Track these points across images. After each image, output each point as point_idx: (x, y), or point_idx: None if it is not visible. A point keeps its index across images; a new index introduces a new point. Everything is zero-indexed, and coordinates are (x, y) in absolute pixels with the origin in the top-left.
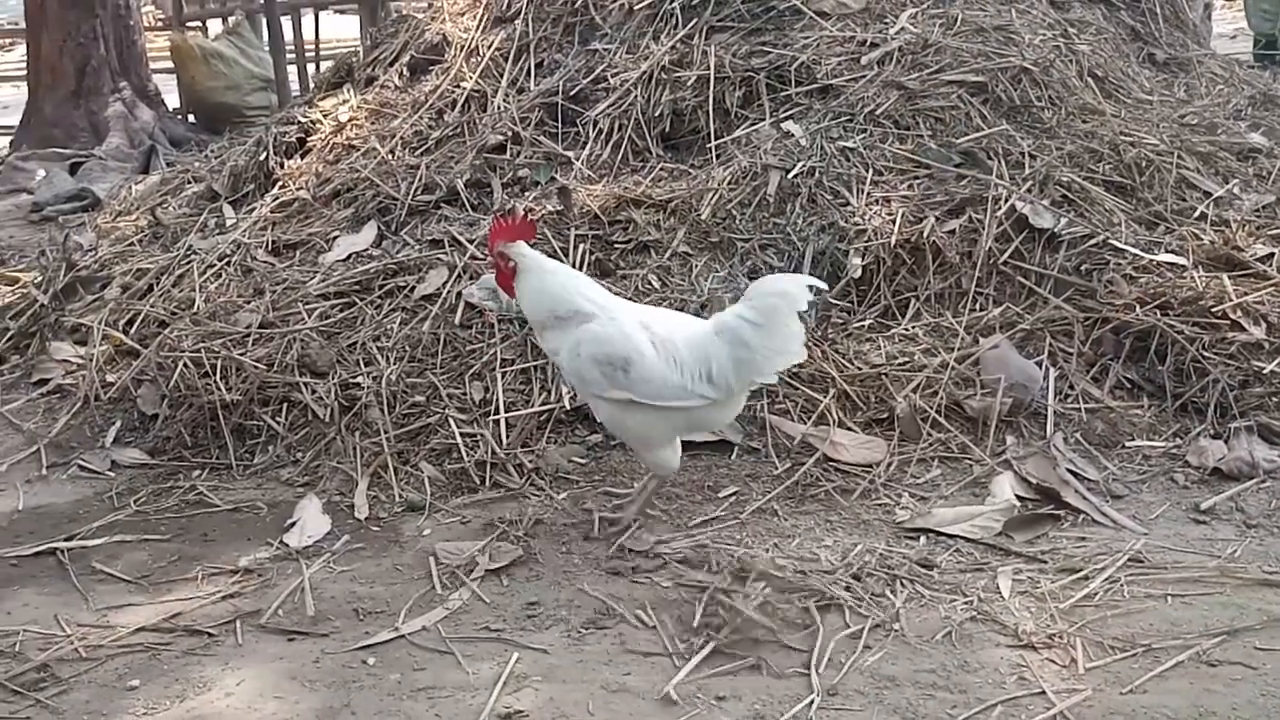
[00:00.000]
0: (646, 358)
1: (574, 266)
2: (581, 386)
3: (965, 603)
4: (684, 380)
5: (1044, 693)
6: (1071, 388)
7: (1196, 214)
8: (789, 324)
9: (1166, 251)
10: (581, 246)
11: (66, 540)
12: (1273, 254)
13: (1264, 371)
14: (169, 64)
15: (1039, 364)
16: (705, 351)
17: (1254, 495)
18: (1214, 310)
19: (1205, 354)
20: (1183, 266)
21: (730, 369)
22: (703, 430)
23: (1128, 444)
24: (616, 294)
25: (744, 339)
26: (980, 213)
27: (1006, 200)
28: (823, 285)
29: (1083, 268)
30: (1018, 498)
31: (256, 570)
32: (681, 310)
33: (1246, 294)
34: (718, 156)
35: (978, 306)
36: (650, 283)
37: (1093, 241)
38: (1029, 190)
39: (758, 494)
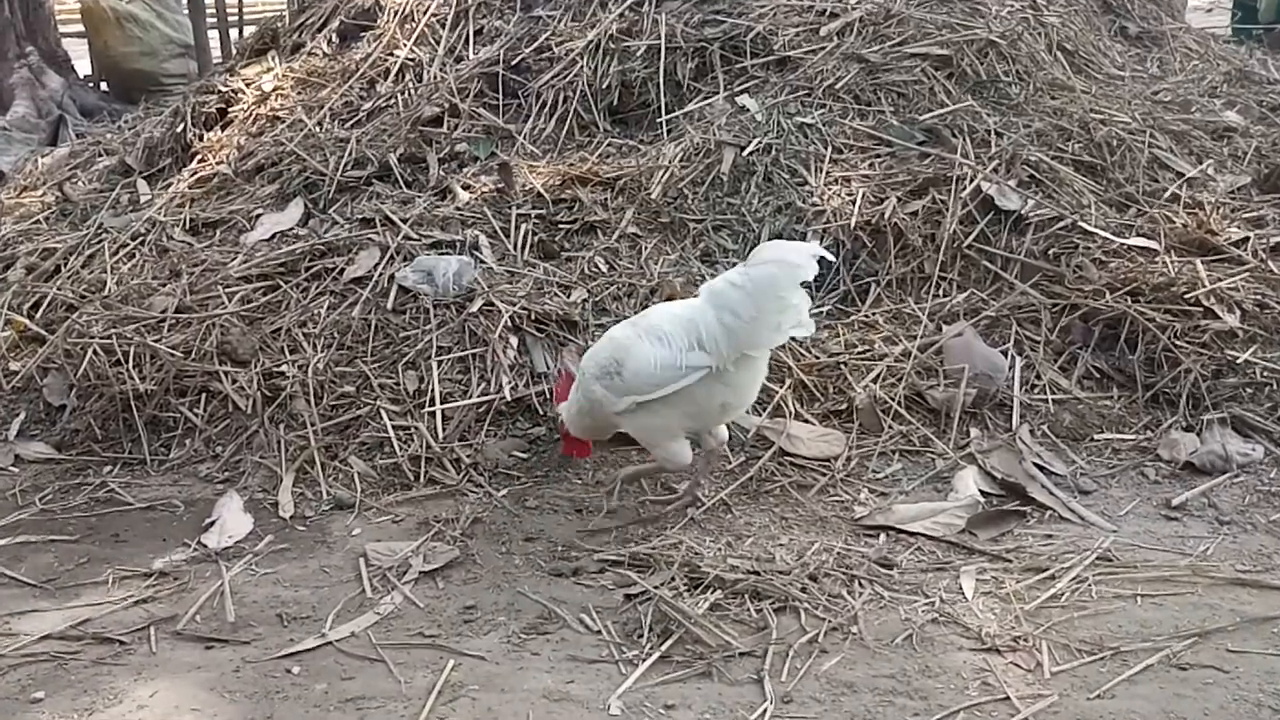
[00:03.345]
0: (633, 349)
1: (515, 248)
2: (603, 419)
3: (926, 604)
4: (672, 354)
5: (1008, 698)
6: (1038, 378)
7: (1169, 196)
8: (786, 295)
9: (1138, 235)
10: (524, 227)
11: None
12: (1248, 238)
13: (1238, 361)
14: (80, 28)
15: (1004, 353)
16: (692, 319)
17: (1227, 490)
18: (1186, 297)
19: (1177, 343)
20: (1154, 251)
21: (720, 334)
22: (716, 417)
23: (1096, 437)
24: (563, 277)
25: (731, 306)
26: (944, 193)
27: (972, 180)
28: (830, 256)
29: (1050, 252)
30: (982, 493)
31: (172, 573)
32: (630, 294)
33: (1220, 280)
34: (669, 132)
35: (941, 292)
36: (597, 266)
37: (1061, 224)
38: (995, 170)
39: (710, 490)
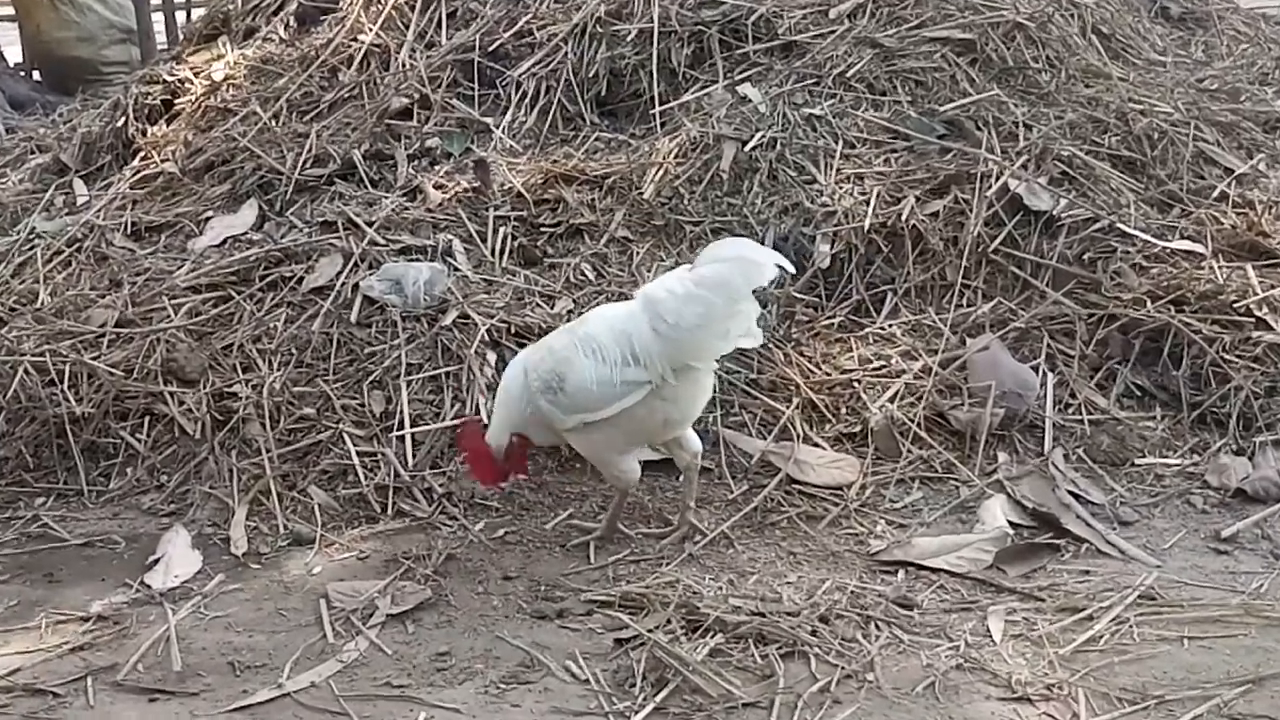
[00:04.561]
0: (574, 363)
1: (493, 254)
2: (551, 432)
3: (950, 648)
4: (607, 370)
5: None
6: (1073, 396)
7: (1216, 194)
8: (737, 298)
9: (1182, 237)
10: (502, 230)
11: None
12: None
13: None
14: (9, 10)
15: (1035, 369)
16: (625, 330)
17: None
18: (1236, 306)
19: (1226, 357)
20: (1200, 255)
21: (654, 346)
22: (660, 434)
23: (1138, 461)
24: (546, 286)
25: (664, 313)
26: (967, 192)
27: (998, 178)
28: (789, 267)
29: (1085, 256)
30: (1011, 525)
31: (112, 617)
32: None
33: (1274, 287)
34: (663, 125)
35: (965, 301)
36: (583, 273)
37: (1097, 226)
38: (1024, 166)
39: (709, 522)
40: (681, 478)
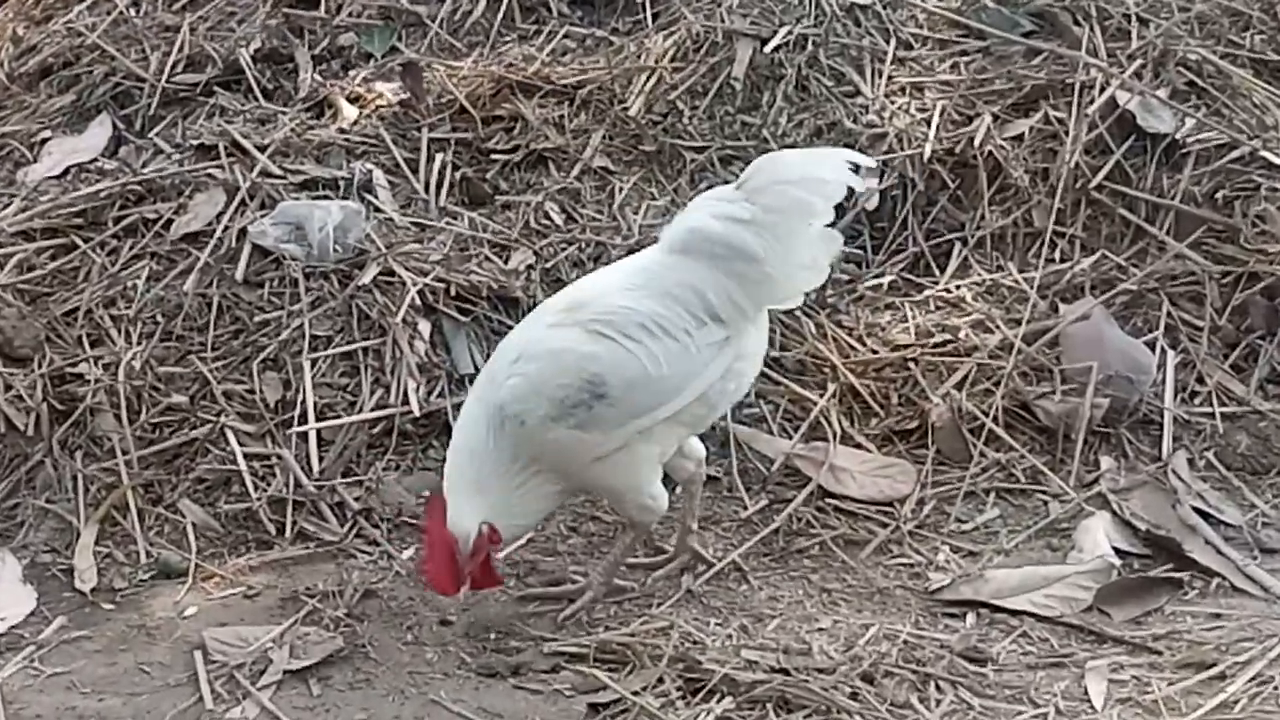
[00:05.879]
0: (610, 359)
1: (427, 189)
2: (552, 488)
3: (1036, 716)
4: (678, 343)
5: None
6: (1201, 381)
7: None
8: (818, 219)
9: None
10: (439, 158)
11: None
12: None
13: None
14: None
15: (1151, 345)
16: (686, 282)
17: None
18: None
19: None
20: None
21: (737, 290)
22: (725, 405)
23: None
24: (499, 232)
25: (744, 248)
26: (1062, 109)
27: (1103, 89)
28: (869, 162)
29: (1220, 195)
30: (1117, 553)
31: None
32: (598, 258)
33: None
34: (655, 17)
35: (1058, 255)
36: (548, 216)
37: (1235, 154)
38: (1137, 74)
39: (716, 549)
40: (679, 491)
